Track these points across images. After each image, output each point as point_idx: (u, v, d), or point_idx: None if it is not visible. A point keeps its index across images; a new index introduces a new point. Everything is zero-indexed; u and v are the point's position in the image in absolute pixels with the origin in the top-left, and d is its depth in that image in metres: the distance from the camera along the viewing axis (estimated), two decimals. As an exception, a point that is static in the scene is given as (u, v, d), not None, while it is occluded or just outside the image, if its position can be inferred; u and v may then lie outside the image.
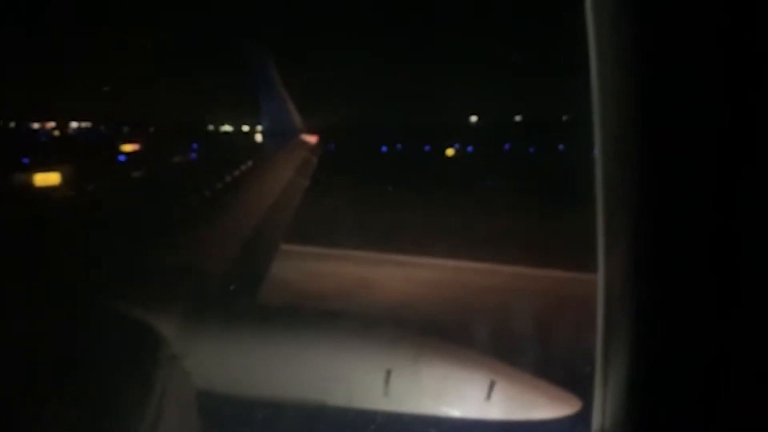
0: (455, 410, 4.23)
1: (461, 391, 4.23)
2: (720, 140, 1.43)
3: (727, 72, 1.39)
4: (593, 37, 1.60)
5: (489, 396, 4.08)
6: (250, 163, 14.10)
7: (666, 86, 1.48)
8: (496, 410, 4.11)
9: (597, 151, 1.69)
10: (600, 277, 1.76)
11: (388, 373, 4.09)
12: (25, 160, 24.64)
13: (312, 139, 19.11)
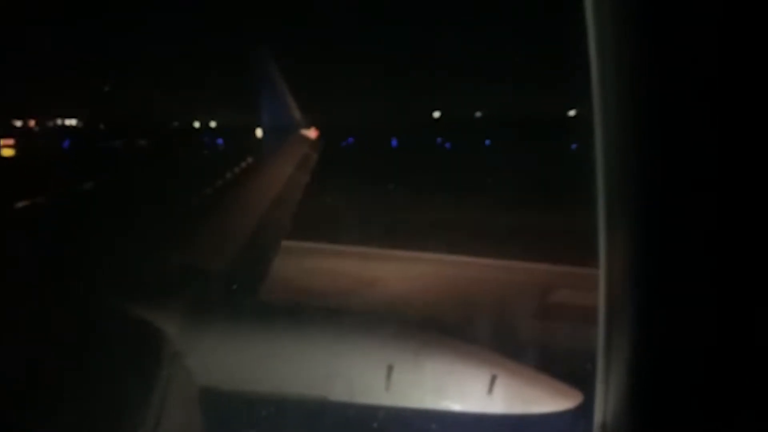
0: (457, 405, 4.25)
1: (463, 386, 4.24)
2: (721, 138, 1.43)
3: (728, 71, 1.40)
4: (593, 36, 1.61)
5: (490, 390, 4.09)
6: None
7: (667, 83, 1.48)
8: (497, 404, 4.12)
9: (597, 149, 1.69)
10: (601, 272, 1.76)
11: (390, 368, 4.11)
12: None
13: (312, 134, 19.05)
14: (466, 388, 4.23)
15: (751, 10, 1.34)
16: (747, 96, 1.38)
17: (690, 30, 1.42)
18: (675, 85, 1.47)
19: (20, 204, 8.21)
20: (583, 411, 3.77)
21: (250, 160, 13.79)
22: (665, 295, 1.58)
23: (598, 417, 1.80)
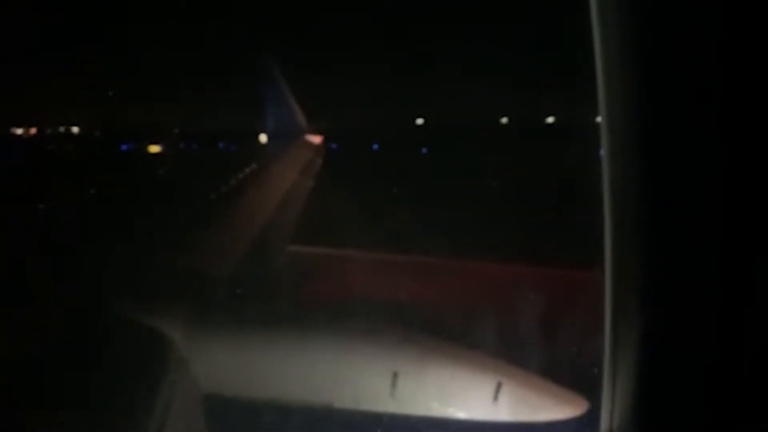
0: (462, 411, 4.23)
1: (468, 393, 4.24)
2: (728, 142, 1.43)
3: (737, 75, 1.39)
4: (598, 39, 1.60)
5: (496, 397, 4.08)
6: None
7: (674, 87, 1.47)
8: (503, 411, 4.11)
9: (603, 150, 1.69)
10: (607, 276, 1.75)
11: (395, 375, 4.10)
12: None
13: (316, 139, 19.10)
14: (472, 395, 4.22)
15: (761, 14, 1.33)
16: (756, 101, 1.37)
17: (698, 33, 1.41)
18: (682, 88, 1.46)
19: None
20: (590, 419, 3.75)
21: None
22: (673, 300, 1.57)
23: (604, 425, 1.79)
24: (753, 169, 1.40)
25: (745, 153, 1.41)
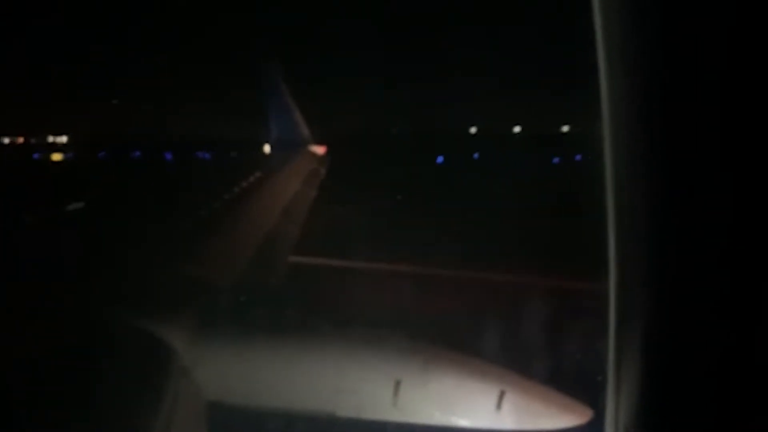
0: (465, 420, 4.22)
1: (471, 401, 4.22)
2: (734, 149, 1.43)
3: (739, 77, 1.39)
4: (602, 44, 1.61)
5: (499, 406, 4.07)
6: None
7: (679, 93, 1.48)
8: (506, 420, 4.10)
9: (607, 158, 1.69)
10: (612, 285, 1.75)
11: (398, 383, 4.09)
12: None
13: (320, 150, 19.21)
14: (474, 404, 4.21)
15: (765, 20, 1.34)
16: (762, 107, 1.37)
17: (703, 38, 1.42)
18: (687, 95, 1.46)
19: None
20: (594, 427, 3.75)
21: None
22: (678, 307, 1.57)
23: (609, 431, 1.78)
24: (760, 177, 1.41)
25: (752, 161, 1.41)
